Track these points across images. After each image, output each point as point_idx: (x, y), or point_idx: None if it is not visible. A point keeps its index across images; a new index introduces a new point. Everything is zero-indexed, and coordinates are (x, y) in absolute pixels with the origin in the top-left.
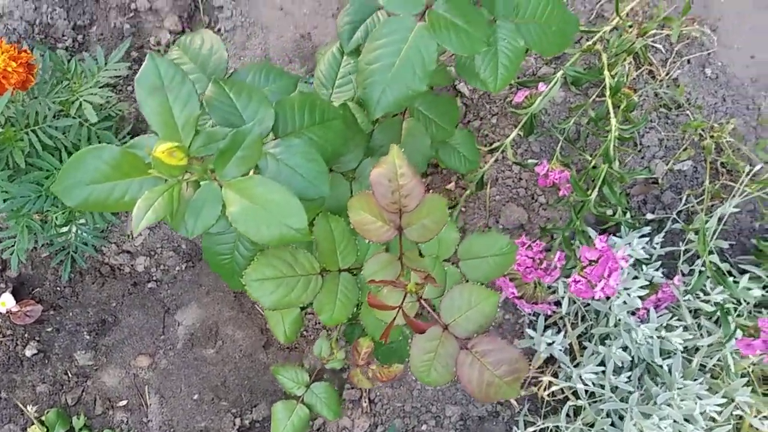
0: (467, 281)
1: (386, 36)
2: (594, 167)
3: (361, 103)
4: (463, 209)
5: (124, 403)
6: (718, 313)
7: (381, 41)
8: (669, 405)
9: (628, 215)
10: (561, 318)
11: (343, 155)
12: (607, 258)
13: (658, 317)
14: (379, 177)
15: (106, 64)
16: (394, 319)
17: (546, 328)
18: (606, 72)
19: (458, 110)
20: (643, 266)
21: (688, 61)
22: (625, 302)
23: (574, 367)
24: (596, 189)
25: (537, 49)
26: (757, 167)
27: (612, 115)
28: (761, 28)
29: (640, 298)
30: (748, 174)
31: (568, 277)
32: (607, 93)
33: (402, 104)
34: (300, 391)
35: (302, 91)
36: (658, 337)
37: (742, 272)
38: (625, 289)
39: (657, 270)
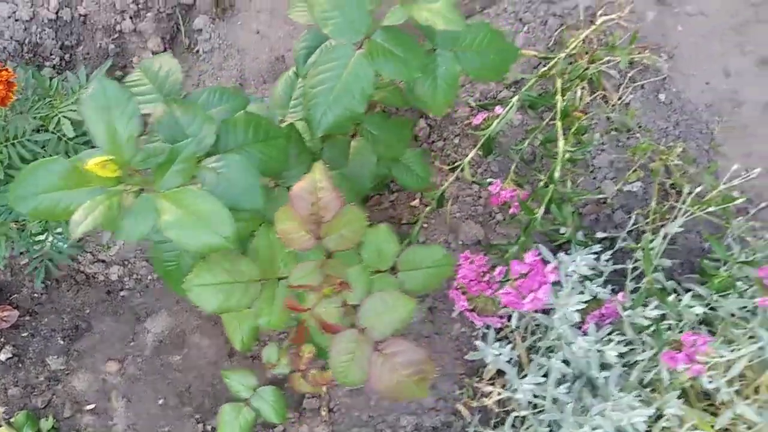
0: (405, 290)
1: (329, 62)
2: (546, 186)
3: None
4: (425, 225)
5: (92, 406)
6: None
7: (324, 66)
8: (602, 416)
9: (580, 233)
10: (512, 331)
11: (286, 170)
12: (537, 272)
13: (598, 331)
14: (300, 191)
15: (87, 82)
16: (305, 320)
17: (500, 340)
18: (558, 97)
19: (410, 131)
20: (588, 282)
21: (642, 87)
22: (565, 316)
23: (521, 378)
24: (542, 207)
25: (475, 75)
26: (698, 188)
27: (560, 137)
28: (716, 56)
29: (584, 312)
30: (689, 194)
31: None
32: (557, 117)
33: (342, 125)
34: (247, 394)
35: (249, 111)
36: (598, 351)
37: (687, 290)
38: (568, 304)
39: (605, 286)
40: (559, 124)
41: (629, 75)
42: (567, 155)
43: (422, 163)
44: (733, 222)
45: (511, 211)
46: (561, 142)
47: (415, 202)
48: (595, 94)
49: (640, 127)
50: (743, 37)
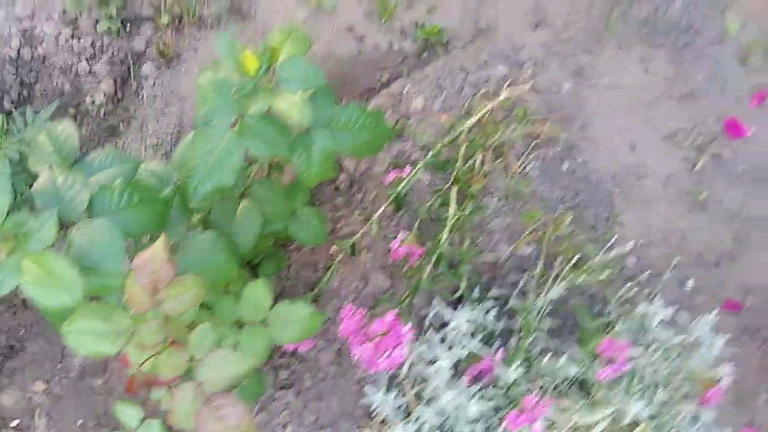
0: (276, 342)
1: (206, 137)
2: (450, 244)
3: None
4: (341, 270)
5: (16, 423)
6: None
7: (202, 141)
8: None
9: (477, 290)
10: (403, 379)
11: (166, 230)
12: (395, 333)
13: (469, 386)
14: (141, 262)
15: (33, 122)
16: (133, 374)
17: (397, 386)
18: (458, 164)
19: (303, 193)
20: (471, 337)
21: (542, 157)
22: (440, 369)
23: (403, 425)
24: (430, 266)
25: (348, 152)
26: (576, 257)
27: (453, 203)
28: (626, 128)
29: (464, 366)
30: (569, 261)
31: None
32: (453, 183)
33: (216, 195)
34: (135, 424)
35: (131, 176)
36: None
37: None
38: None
39: (492, 343)
40: (454, 189)
41: (532, 144)
42: (459, 218)
43: (319, 221)
44: (609, 292)
45: (406, 267)
46: (452, 208)
47: (334, 249)
48: (498, 161)
49: (534, 195)
50: (653, 112)
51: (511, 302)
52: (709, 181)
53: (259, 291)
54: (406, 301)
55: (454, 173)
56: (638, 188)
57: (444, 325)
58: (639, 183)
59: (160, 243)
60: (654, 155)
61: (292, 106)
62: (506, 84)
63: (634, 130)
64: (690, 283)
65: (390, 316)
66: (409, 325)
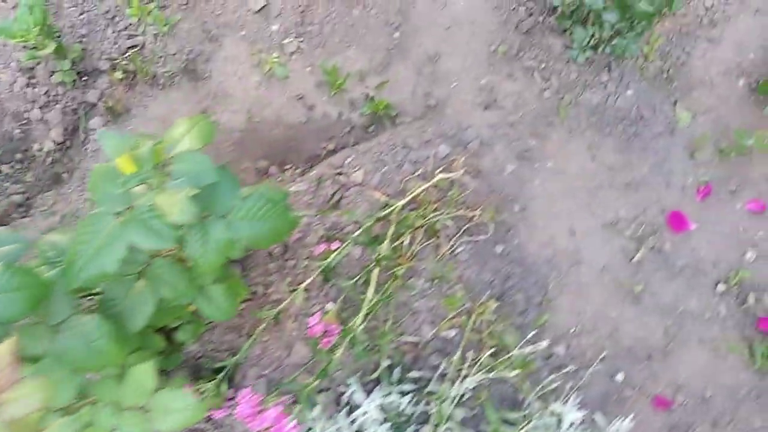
0: (157, 429)
1: (92, 224)
2: (374, 320)
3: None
4: (265, 339)
5: None
6: None
7: (88, 227)
8: None
9: (397, 371)
10: None
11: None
12: (279, 426)
13: None
14: None
15: None
16: None
17: None
18: (384, 244)
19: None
20: (382, 422)
21: (476, 239)
22: None
23: None
24: (341, 348)
25: (247, 243)
26: (497, 346)
27: (372, 284)
28: (566, 213)
29: None
30: (490, 349)
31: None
32: (375, 264)
33: (98, 280)
34: None
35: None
36: None
37: None
38: None
39: (404, 429)
40: (375, 271)
41: (464, 228)
42: (378, 301)
43: (227, 297)
44: (525, 387)
45: (320, 345)
46: (371, 291)
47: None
48: (429, 242)
49: (461, 279)
50: (595, 199)
51: (431, 386)
52: (646, 274)
53: (143, 375)
54: (321, 378)
55: (376, 255)
56: (574, 274)
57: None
58: (575, 269)
59: (7, 345)
60: (593, 242)
61: (173, 204)
62: (445, 166)
63: (574, 216)
64: (620, 377)
65: (274, 410)
66: (293, 419)
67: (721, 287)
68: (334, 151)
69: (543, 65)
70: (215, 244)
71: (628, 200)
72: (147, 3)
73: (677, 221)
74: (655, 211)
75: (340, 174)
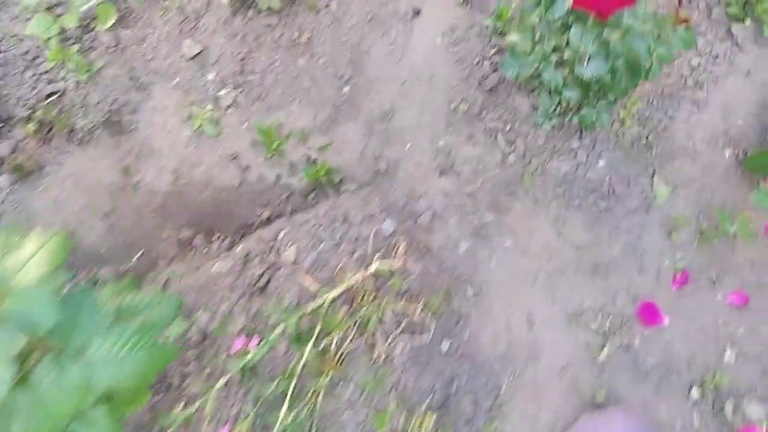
0: None
1: None
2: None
3: None
4: None
5: None
6: None
7: None
8: None
9: None
10: None
11: None
12: None
13: None
14: None
15: None
16: None
17: None
18: (308, 346)
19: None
20: None
21: (418, 337)
22: None
23: None
24: None
25: (110, 387)
26: None
27: (286, 402)
28: (525, 300)
29: None
30: None
31: None
32: (288, 376)
33: None
34: None
35: None
36: None
37: None
38: None
39: None
40: (292, 383)
41: (404, 323)
42: (293, 417)
43: (109, 423)
44: None
45: None
46: (284, 408)
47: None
48: (363, 339)
49: (401, 384)
50: (559, 284)
51: None
52: (611, 374)
53: None
54: None
55: (294, 362)
56: (530, 372)
57: None
58: (532, 366)
59: None
60: (553, 336)
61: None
62: (386, 250)
63: (534, 304)
64: None
65: None
66: None
67: (695, 392)
68: (268, 220)
69: (507, 127)
70: (69, 387)
71: (595, 286)
72: (71, 45)
73: (649, 314)
74: (625, 299)
75: (270, 250)
